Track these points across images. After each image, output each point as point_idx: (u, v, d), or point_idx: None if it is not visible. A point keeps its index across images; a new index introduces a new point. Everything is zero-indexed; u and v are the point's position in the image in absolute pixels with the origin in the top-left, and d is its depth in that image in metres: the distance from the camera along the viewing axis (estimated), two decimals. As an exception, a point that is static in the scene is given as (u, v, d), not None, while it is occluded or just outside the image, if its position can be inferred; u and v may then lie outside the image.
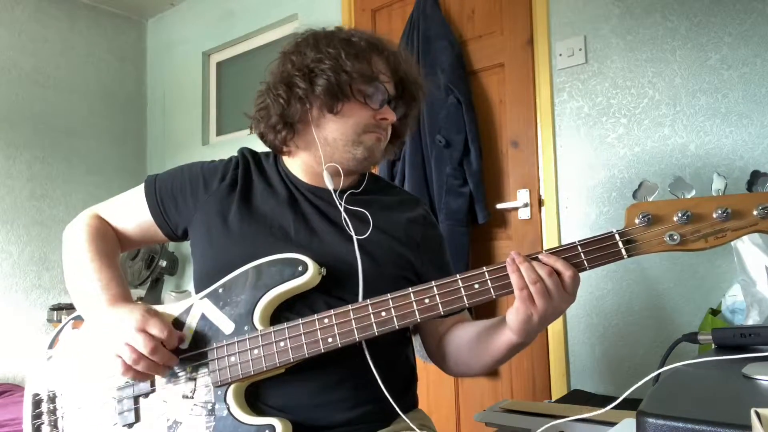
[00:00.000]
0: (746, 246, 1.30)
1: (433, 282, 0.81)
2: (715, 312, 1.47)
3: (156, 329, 0.84)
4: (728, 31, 1.66)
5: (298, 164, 1.02)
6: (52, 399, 0.96)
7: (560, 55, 1.94)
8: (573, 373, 1.88)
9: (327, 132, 0.96)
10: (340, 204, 0.95)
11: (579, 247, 0.78)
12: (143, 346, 0.82)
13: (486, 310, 1.99)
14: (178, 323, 0.91)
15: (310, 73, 0.93)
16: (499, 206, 2.05)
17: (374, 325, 0.82)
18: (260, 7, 2.97)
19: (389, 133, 1.02)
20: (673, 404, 0.54)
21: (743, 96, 1.63)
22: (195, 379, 0.87)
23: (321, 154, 0.96)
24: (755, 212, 0.71)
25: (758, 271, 1.27)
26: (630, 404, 0.68)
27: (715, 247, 0.74)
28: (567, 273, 0.77)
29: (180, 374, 0.88)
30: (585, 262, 0.77)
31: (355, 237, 0.91)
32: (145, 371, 0.84)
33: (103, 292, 0.92)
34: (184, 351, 0.88)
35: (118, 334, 0.85)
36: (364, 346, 0.86)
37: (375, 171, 1.61)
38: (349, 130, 0.95)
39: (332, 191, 0.96)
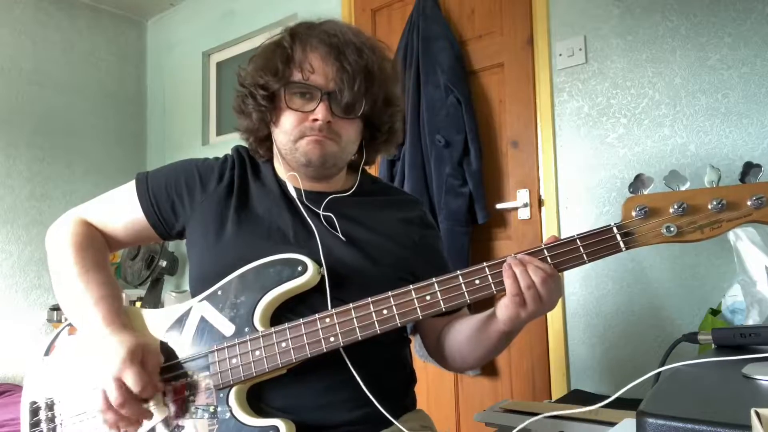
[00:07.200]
0: (746, 246, 1.30)
1: (434, 278, 0.82)
2: (715, 312, 1.46)
3: (131, 381, 0.80)
4: (728, 31, 1.66)
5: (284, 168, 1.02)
6: (50, 406, 0.94)
7: (560, 55, 1.94)
8: (573, 373, 1.88)
9: (277, 141, 0.99)
10: (303, 204, 0.96)
11: (578, 240, 0.78)
12: (113, 398, 0.80)
13: (484, 303, 1.98)
14: (176, 326, 0.90)
15: (245, 91, 0.97)
16: (498, 206, 2.05)
17: (376, 323, 0.82)
18: (260, 7, 2.97)
19: (338, 132, 0.93)
20: (673, 404, 0.55)
21: (743, 96, 1.63)
22: (196, 382, 0.87)
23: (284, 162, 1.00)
24: (749, 202, 0.72)
25: (758, 271, 1.27)
26: (630, 404, 0.68)
27: (711, 238, 0.75)
28: (551, 278, 0.78)
29: (181, 378, 0.88)
30: (584, 255, 0.78)
31: (340, 236, 0.93)
32: (110, 423, 0.83)
33: (94, 311, 0.89)
34: (185, 354, 0.88)
35: (101, 371, 0.83)
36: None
37: (374, 171, 1.62)
38: (285, 138, 0.96)
39: (296, 195, 0.98)
